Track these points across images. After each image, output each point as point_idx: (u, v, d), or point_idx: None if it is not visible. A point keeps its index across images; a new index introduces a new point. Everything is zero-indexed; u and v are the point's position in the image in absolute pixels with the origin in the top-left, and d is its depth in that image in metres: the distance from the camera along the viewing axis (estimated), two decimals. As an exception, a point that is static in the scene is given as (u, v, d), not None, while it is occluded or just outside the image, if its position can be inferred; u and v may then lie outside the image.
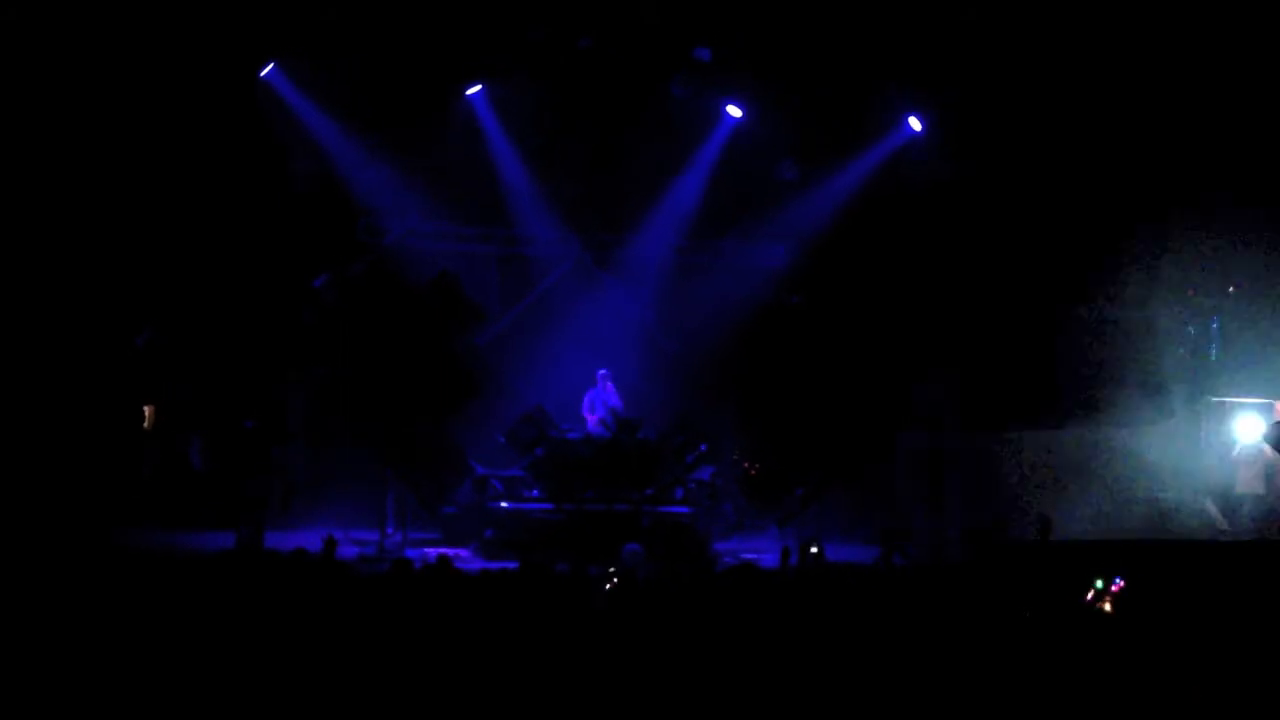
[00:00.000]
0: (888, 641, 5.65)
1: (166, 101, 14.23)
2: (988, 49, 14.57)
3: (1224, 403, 15.11)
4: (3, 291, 13.68)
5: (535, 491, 14.72)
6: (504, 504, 14.60)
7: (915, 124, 16.23)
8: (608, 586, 6.54)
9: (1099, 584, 7.46)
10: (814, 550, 6.75)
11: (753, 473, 14.86)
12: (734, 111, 16.40)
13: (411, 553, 12.34)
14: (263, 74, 15.04)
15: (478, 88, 15.98)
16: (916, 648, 5.62)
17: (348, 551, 13.73)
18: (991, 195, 15.84)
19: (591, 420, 15.14)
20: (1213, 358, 15.69)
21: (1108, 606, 7.15)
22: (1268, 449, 13.97)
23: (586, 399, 15.35)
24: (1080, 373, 15.56)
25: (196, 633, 5.64)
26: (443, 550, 12.50)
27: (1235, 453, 14.64)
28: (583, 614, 6.08)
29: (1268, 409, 14.55)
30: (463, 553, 13.56)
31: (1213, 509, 14.37)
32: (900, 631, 5.75)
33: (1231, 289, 15.46)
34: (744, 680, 5.41)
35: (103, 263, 14.50)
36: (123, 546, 12.87)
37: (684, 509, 14.72)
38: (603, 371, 15.35)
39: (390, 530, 14.16)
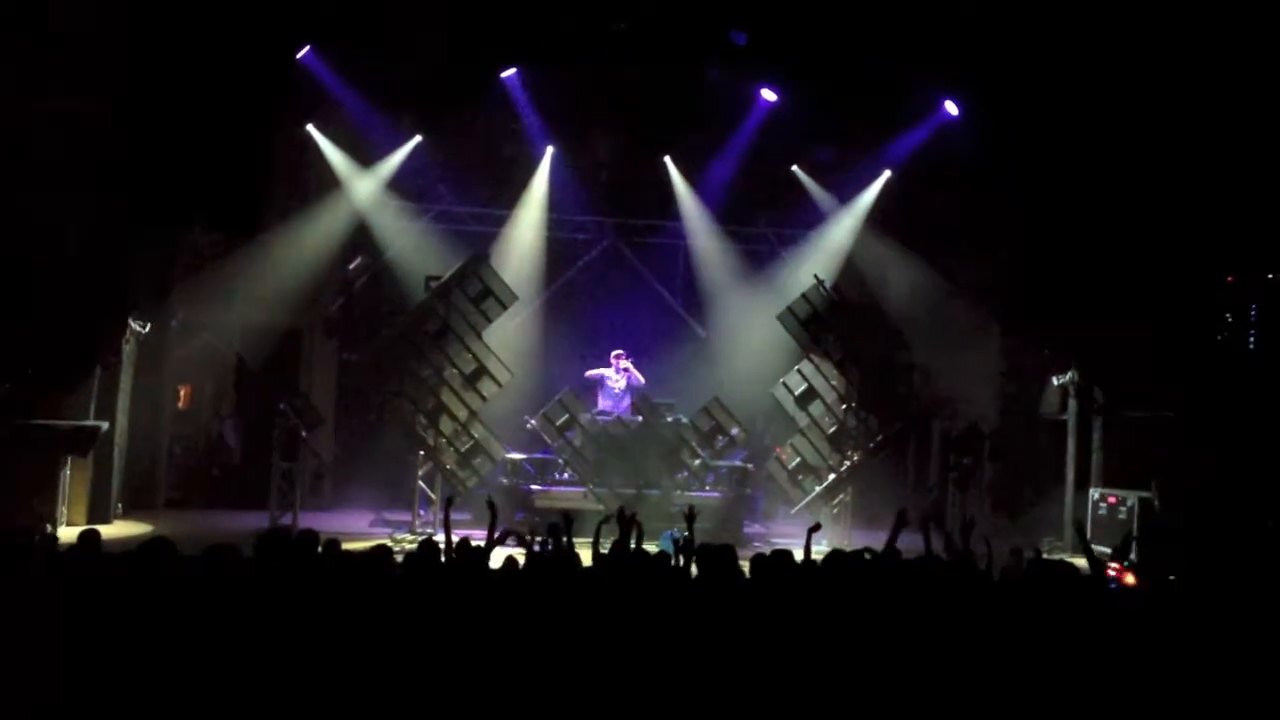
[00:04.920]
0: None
1: (205, 84, 14.27)
2: (1025, 30, 14.40)
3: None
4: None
5: (566, 474, 14.78)
6: (535, 487, 14.67)
7: (951, 108, 16.08)
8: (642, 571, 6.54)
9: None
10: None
11: (783, 458, 14.83)
12: (769, 95, 16.30)
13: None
14: (299, 56, 15.04)
15: (512, 71, 15.96)
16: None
17: (379, 531, 13.87)
18: (1024, 176, 15.70)
19: (607, 404, 15.12)
20: (1250, 345, 15.53)
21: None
22: None
23: (601, 384, 15.32)
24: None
25: (224, 612, 5.65)
26: (470, 533, 12.54)
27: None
28: (616, 599, 6.06)
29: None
30: (494, 535, 13.56)
31: None
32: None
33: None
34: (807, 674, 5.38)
35: (136, 242, 14.51)
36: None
37: (715, 494, 14.74)
38: (619, 353, 15.33)
39: (422, 511, 14.24)
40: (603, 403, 15.18)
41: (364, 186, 16.31)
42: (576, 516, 7.95)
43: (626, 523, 7.14)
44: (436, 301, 14.12)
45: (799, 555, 6.69)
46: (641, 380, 15.22)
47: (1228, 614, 6.13)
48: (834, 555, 6.61)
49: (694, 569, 6.62)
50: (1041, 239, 15.63)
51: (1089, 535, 13.64)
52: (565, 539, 6.93)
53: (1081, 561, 6.77)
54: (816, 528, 7.46)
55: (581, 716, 5.30)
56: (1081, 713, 5.39)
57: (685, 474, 14.50)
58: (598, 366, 15.35)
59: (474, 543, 6.80)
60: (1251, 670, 5.56)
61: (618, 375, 15.19)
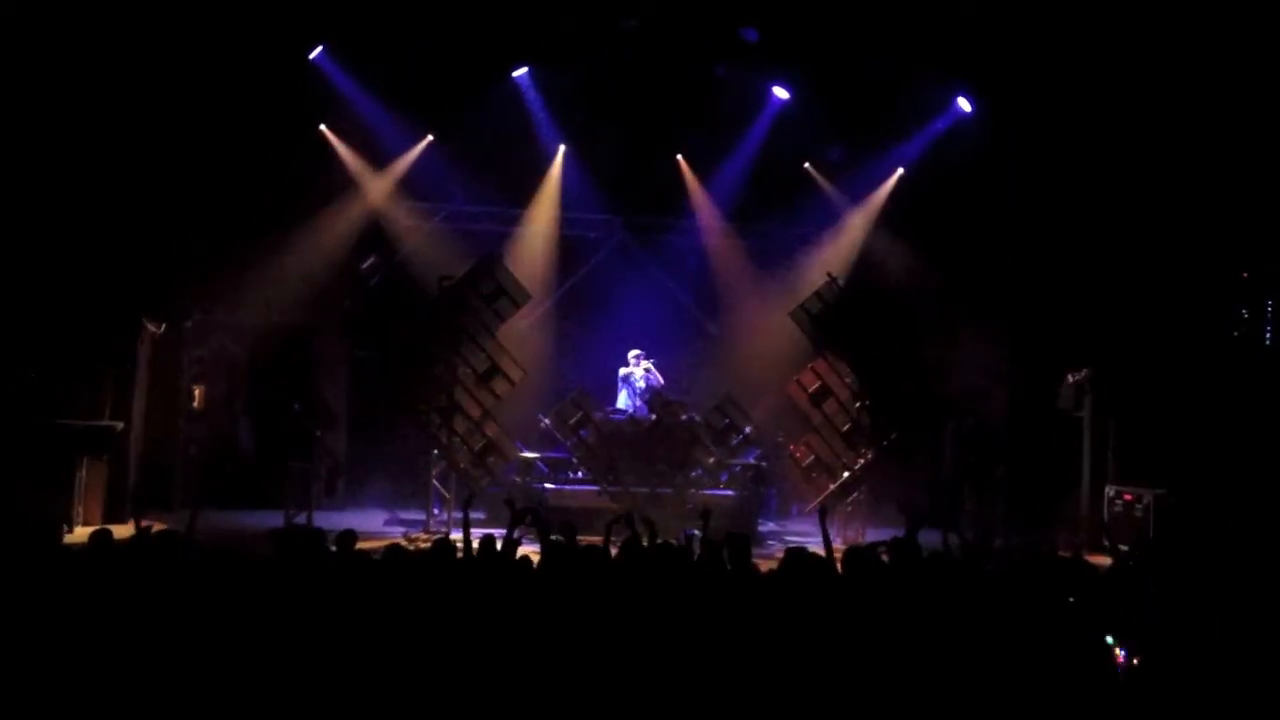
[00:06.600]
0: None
1: (217, 85, 14.31)
2: (1036, 26, 14.35)
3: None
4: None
5: (580, 473, 14.77)
6: (549, 485, 14.67)
7: (965, 105, 16.02)
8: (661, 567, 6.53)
9: None
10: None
11: (797, 456, 14.80)
12: (781, 93, 16.27)
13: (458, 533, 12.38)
14: (311, 56, 15.07)
15: (523, 69, 15.96)
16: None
17: (393, 530, 13.89)
18: (1036, 174, 15.64)
19: (630, 403, 15.12)
20: (1266, 341, 15.46)
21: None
22: None
23: (622, 385, 15.33)
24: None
25: (238, 610, 5.66)
26: (490, 532, 12.55)
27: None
28: (636, 594, 6.06)
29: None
30: (508, 534, 13.58)
31: None
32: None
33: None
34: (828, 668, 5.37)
35: (151, 243, 14.53)
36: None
37: (729, 492, 14.72)
38: (637, 352, 15.32)
39: (436, 511, 14.25)
40: (626, 400, 15.19)
41: (377, 186, 16.34)
42: (592, 516, 7.96)
43: (635, 521, 7.16)
44: (450, 300, 14.12)
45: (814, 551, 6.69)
46: (661, 381, 15.21)
47: (1244, 610, 6.11)
48: (851, 551, 6.61)
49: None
50: (1055, 235, 15.58)
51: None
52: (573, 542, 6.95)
53: (1098, 559, 6.75)
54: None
55: (597, 710, 5.30)
56: (1095, 708, 5.37)
57: (699, 472, 14.48)
58: (624, 365, 15.37)
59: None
60: (1265, 666, 5.54)
61: (640, 374, 15.20)
